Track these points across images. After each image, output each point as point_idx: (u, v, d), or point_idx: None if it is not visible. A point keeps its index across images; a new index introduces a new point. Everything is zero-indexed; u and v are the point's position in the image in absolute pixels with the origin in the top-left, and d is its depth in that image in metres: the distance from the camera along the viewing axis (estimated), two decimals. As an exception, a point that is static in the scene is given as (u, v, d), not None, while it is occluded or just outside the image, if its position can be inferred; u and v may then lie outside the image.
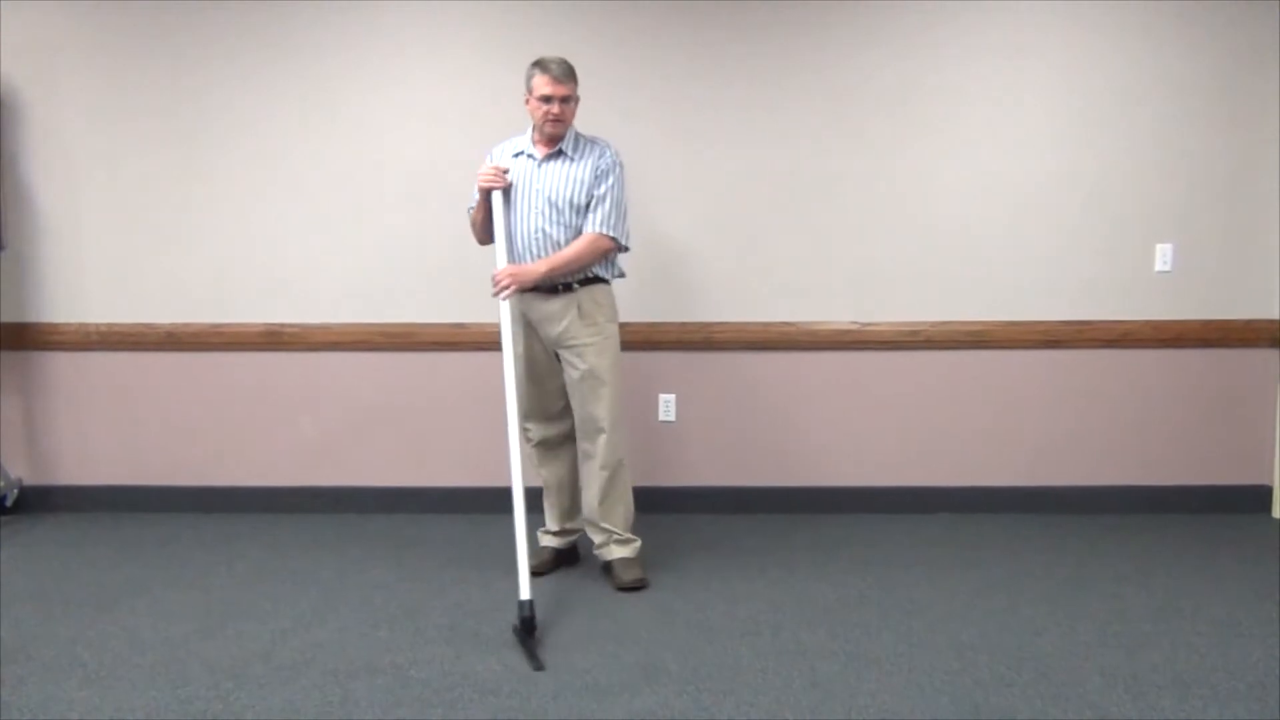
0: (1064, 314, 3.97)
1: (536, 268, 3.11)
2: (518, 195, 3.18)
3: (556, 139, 3.17)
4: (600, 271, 3.21)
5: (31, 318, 4.10)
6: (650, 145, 3.93)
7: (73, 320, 4.09)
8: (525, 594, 2.82)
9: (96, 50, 4.00)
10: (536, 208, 3.15)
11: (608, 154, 3.18)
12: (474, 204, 3.27)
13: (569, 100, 3.13)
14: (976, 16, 3.90)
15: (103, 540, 3.74)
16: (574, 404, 3.24)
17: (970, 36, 3.91)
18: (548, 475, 3.39)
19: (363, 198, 4.01)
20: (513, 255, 3.19)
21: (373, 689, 2.44)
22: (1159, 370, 3.99)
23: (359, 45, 3.96)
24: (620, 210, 3.18)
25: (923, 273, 3.98)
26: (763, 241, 3.99)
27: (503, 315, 3.11)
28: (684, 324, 4.01)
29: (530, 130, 3.23)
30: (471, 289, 3.73)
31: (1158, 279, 3.96)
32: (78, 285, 4.08)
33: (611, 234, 3.15)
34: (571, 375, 3.20)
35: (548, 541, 3.43)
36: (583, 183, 3.14)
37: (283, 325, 4.05)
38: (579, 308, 3.16)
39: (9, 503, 4.07)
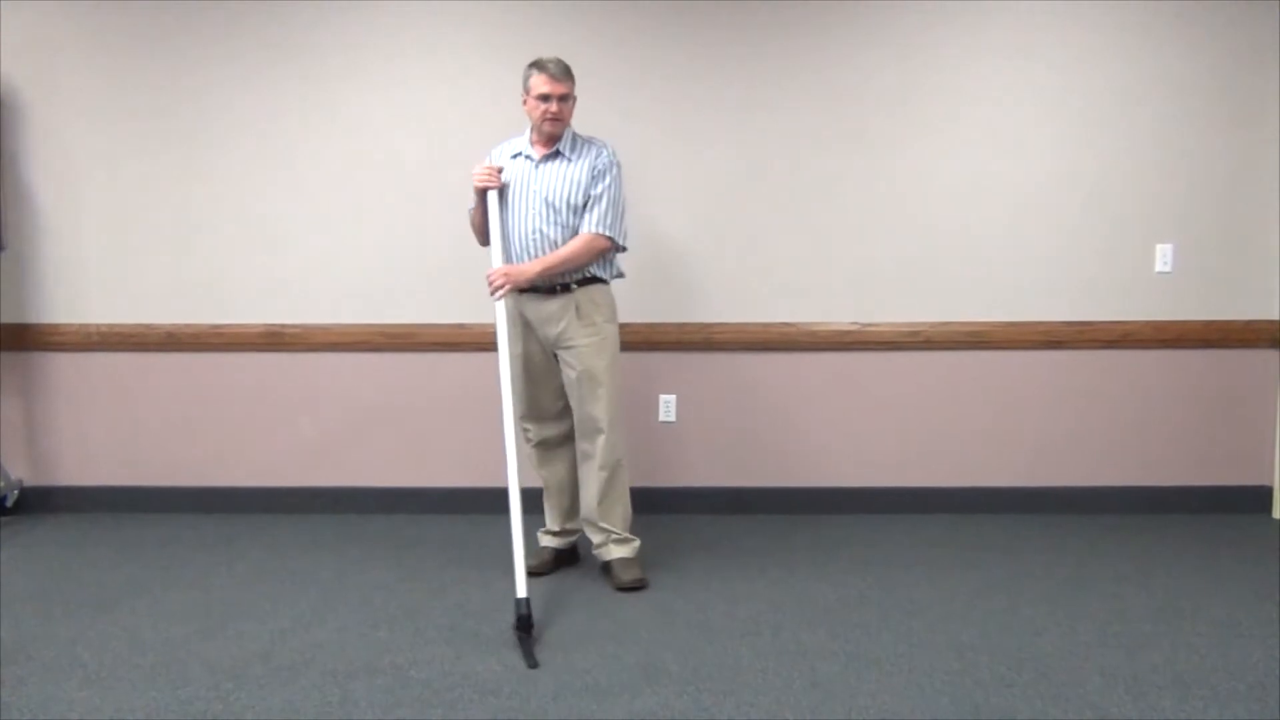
0: (1064, 314, 3.97)
1: (530, 267, 3.11)
2: (516, 196, 3.18)
3: (554, 139, 3.17)
4: (598, 272, 3.21)
5: (32, 318, 4.10)
6: (650, 145, 3.93)
7: (73, 321, 4.09)
8: (522, 592, 2.82)
9: (96, 50, 4.00)
10: (534, 208, 3.15)
11: (605, 154, 3.18)
12: (473, 205, 3.27)
13: (567, 99, 3.13)
14: (976, 16, 3.90)
15: (103, 541, 3.74)
16: (572, 404, 3.24)
17: (970, 36, 3.91)
18: (547, 475, 3.39)
19: (363, 198, 4.01)
20: (510, 256, 3.19)
21: (373, 689, 2.44)
22: (1159, 371, 3.99)
23: (359, 46, 3.96)
24: (617, 210, 3.17)
25: (923, 273, 3.98)
26: (763, 241, 3.99)
27: (498, 315, 3.11)
28: (684, 324, 4.01)
29: (528, 131, 3.24)
30: (472, 289, 3.73)
31: (1158, 279, 3.96)
32: (78, 285, 4.09)
33: (608, 233, 3.15)
34: (569, 375, 3.20)
35: (547, 542, 3.43)
36: (580, 183, 3.14)
37: (283, 326, 4.05)
38: (577, 308, 3.16)
39: (9, 503, 4.07)
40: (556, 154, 3.17)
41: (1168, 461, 4.02)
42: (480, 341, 3.88)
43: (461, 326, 3.99)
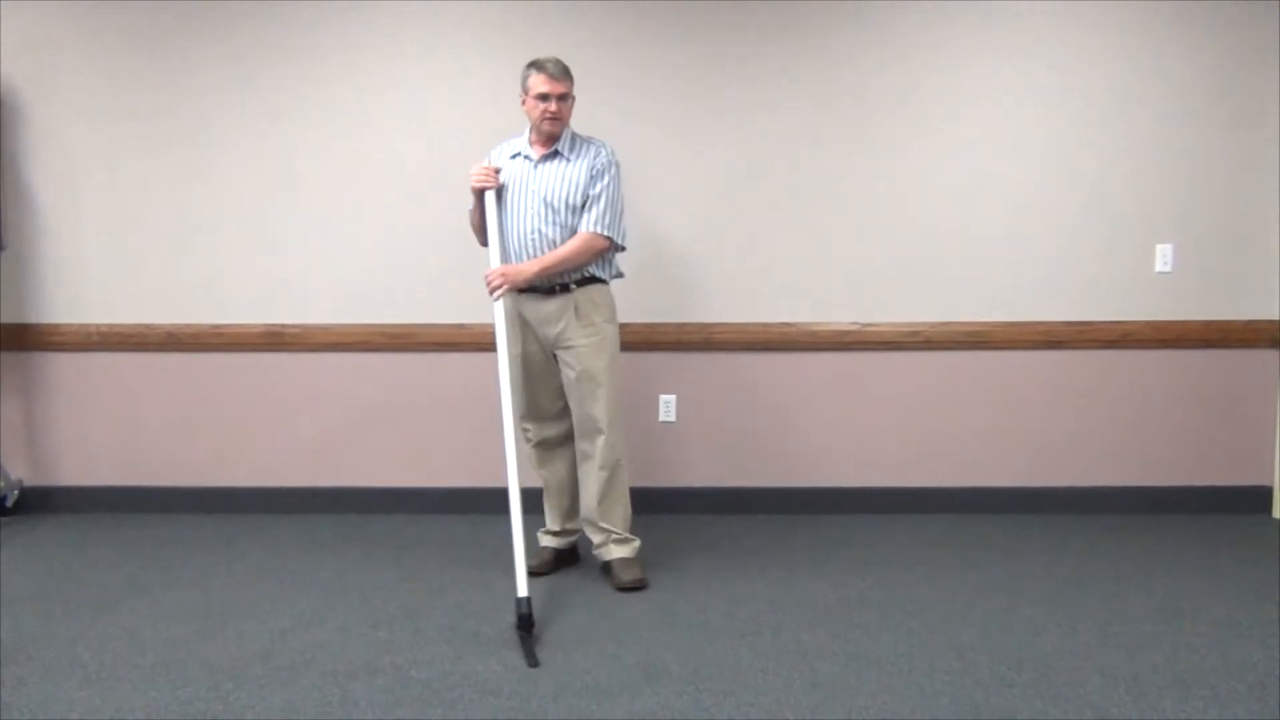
0: (1064, 314, 3.97)
1: (528, 267, 3.11)
2: (514, 196, 3.18)
3: (553, 138, 3.17)
4: (597, 272, 3.21)
5: (32, 318, 4.10)
6: (650, 145, 3.93)
7: (73, 321, 4.09)
8: (523, 591, 2.83)
9: (96, 50, 4.00)
10: (533, 208, 3.15)
11: (603, 153, 3.18)
12: (472, 205, 3.27)
13: (565, 99, 3.13)
14: (977, 16, 3.90)
15: (103, 541, 3.74)
16: (572, 404, 3.24)
17: (970, 36, 3.91)
18: (547, 475, 3.39)
19: (363, 198, 4.01)
20: (509, 256, 3.19)
21: (373, 689, 2.44)
22: (1159, 370, 3.99)
23: (359, 46, 3.96)
24: (616, 209, 3.17)
25: (923, 273, 3.98)
26: (763, 241, 3.99)
27: (497, 315, 3.11)
28: (684, 324, 4.01)
29: (527, 131, 3.24)
30: (471, 289, 3.72)
31: (1158, 279, 3.96)
32: (78, 285, 4.08)
33: (606, 233, 3.15)
34: (568, 376, 3.20)
35: (548, 542, 3.43)
36: (578, 183, 3.14)
37: (283, 326, 4.05)
38: (576, 308, 3.16)
39: (9, 503, 4.07)
40: (555, 154, 3.17)
41: (1168, 461, 4.02)
42: (480, 341, 3.87)
43: (461, 326, 4.00)
